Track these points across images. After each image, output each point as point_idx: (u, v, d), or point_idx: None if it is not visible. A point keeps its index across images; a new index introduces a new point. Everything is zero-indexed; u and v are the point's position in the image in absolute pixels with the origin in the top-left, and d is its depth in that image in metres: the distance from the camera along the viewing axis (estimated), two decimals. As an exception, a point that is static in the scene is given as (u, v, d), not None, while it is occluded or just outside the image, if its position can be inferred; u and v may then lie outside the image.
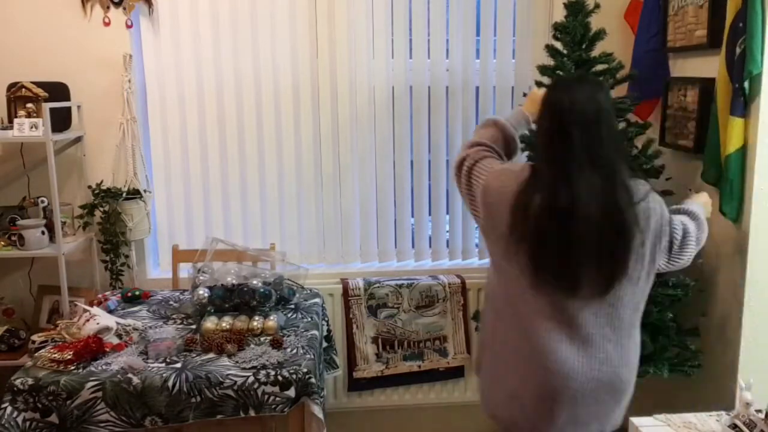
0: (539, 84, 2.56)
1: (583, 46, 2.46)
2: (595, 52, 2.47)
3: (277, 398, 2.04)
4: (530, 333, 1.74)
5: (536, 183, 1.68)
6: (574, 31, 2.43)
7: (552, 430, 1.78)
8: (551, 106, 1.71)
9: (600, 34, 2.44)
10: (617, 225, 1.64)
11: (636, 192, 1.68)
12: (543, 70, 2.52)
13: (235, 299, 2.47)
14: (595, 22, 2.47)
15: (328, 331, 2.78)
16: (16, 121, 2.61)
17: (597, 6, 2.45)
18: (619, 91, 2.74)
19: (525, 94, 2.61)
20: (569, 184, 1.62)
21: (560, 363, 1.70)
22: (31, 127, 2.59)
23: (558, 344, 1.70)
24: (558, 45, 2.50)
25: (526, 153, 2.56)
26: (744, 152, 2.28)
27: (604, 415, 1.79)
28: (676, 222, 1.79)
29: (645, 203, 1.69)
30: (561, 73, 2.46)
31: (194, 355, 2.16)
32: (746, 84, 2.21)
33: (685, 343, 2.47)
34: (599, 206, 1.62)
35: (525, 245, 1.68)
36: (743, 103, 2.23)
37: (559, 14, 2.59)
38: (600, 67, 2.46)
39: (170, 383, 2.01)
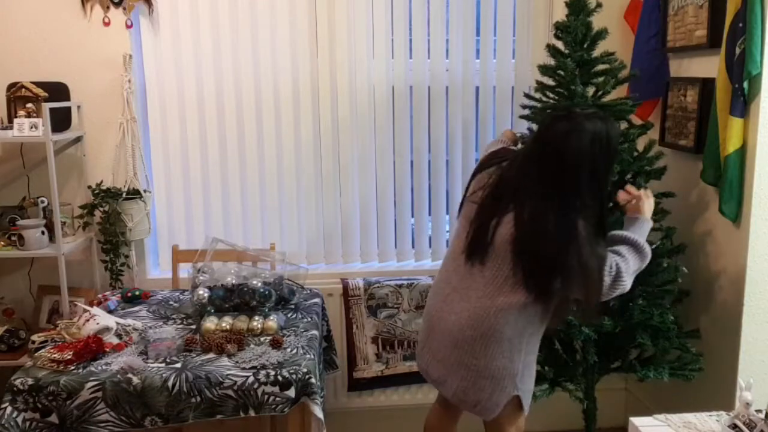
0: (539, 83, 2.55)
1: (584, 46, 2.44)
2: (597, 52, 2.46)
3: (277, 398, 2.04)
4: None
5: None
6: (576, 31, 2.41)
7: None
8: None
9: (602, 34, 2.42)
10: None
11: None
12: (544, 70, 2.49)
13: (235, 299, 2.47)
14: (595, 22, 2.46)
15: (328, 331, 2.78)
16: (16, 121, 2.61)
17: (599, 5, 2.44)
18: (620, 92, 2.75)
19: (526, 94, 2.60)
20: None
21: None
22: (31, 127, 2.59)
23: None
24: (559, 44, 2.48)
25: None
26: (743, 152, 2.29)
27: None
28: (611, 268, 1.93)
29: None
30: (562, 73, 2.44)
31: (194, 355, 2.16)
32: (746, 84, 2.21)
33: (685, 345, 2.46)
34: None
35: None
36: (743, 104, 2.23)
37: (559, 14, 2.59)
38: (601, 66, 2.45)
39: (170, 383, 2.00)
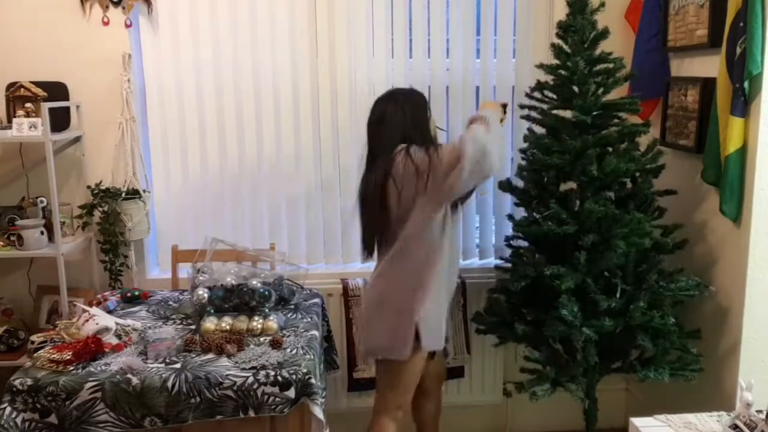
0: (538, 82, 2.54)
1: (585, 45, 2.42)
2: (597, 52, 2.45)
3: (277, 399, 2.04)
4: None
5: None
6: (583, 30, 2.39)
7: None
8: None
9: (605, 34, 2.40)
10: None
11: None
12: (550, 69, 2.46)
13: (234, 299, 2.46)
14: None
15: (328, 331, 2.78)
16: (15, 120, 2.61)
17: (602, 5, 2.43)
18: (620, 92, 2.74)
19: (527, 94, 2.59)
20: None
21: None
22: (30, 127, 2.59)
23: None
24: (561, 44, 2.46)
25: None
26: (744, 152, 2.28)
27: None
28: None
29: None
30: (564, 73, 2.43)
31: (194, 356, 2.16)
32: (746, 84, 2.20)
33: (686, 346, 2.46)
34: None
35: None
36: (743, 103, 2.23)
37: (560, 13, 2.58)
38: (602, 66, 2.43)
39: (170, 384, 2.00)
